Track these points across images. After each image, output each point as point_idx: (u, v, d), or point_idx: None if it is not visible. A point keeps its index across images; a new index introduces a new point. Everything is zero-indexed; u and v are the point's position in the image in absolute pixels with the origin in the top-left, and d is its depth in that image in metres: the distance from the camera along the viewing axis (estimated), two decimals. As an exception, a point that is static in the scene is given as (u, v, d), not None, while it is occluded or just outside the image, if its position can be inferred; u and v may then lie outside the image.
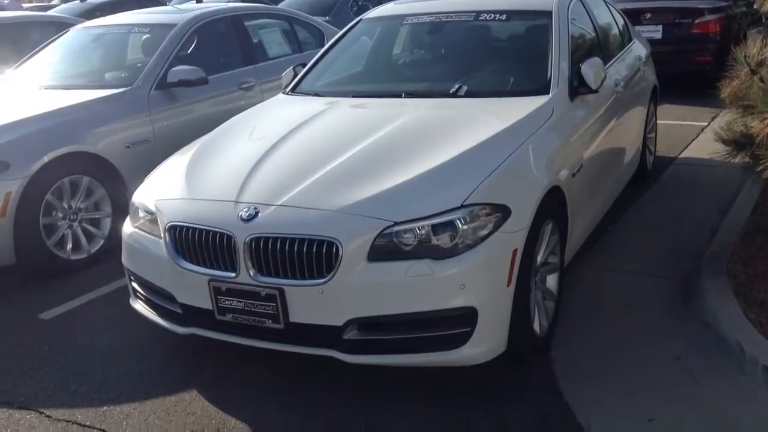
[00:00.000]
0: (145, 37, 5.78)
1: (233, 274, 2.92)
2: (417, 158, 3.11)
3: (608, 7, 5.44)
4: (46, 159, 4.41)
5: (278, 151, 3.35)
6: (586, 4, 4.75)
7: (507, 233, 2.90)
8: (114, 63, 5.66)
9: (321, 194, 2.96)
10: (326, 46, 4.74)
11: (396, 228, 2.79)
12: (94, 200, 4.74)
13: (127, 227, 3.42)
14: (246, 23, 6.27)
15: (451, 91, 3.87)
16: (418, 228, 2.80)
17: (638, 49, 5.63)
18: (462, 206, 2.84)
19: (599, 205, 4.22)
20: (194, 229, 3.02)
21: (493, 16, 4.27)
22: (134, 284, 3.42)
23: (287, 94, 4.37)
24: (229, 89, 5.77)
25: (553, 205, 3.27)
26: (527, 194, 3.07)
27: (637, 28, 7.20)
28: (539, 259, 3.21)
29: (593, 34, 4.68)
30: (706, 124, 7.69)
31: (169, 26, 5.67)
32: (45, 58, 5.87)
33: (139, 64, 5.44)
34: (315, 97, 4.18)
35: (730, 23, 9.41)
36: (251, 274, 2.89)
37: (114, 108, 4.97)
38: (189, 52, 5.78)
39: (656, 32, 9.25)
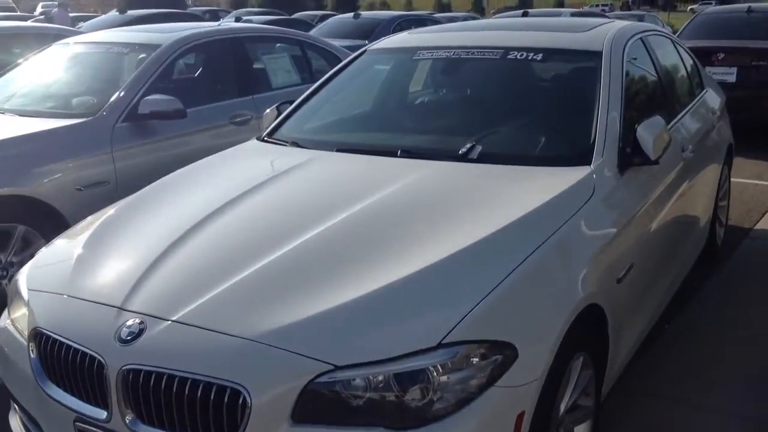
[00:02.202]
0: (125, 58, 5.00)
1: (104, 416, 2.01)
2: (386, 259, 2.15)
3: (676, 46, 4.41)
4: (-34, 203, 3.61)
5: (201, 233, 2.42)
6: (648, 44, 3.74)
7: (510, 388, 1.92)
8: (85, 87, 4.86)
9: (235, 308, 2.02)
10: (320, 81, 3.83)
11: (338, 375, 1.84)
12: (31, 253, 3.90)
13: (3, 318, 2.55)
14: (248, 46, 5.43)
15: (460, 152, 2.90)
16: (372, 376, 1.84)
17: (712, 99, 4.58)
18: (440, 345, 1.87)
19: (653, 307, 3.19)
20: (60, 342, 2.12)
21: (525, 54, 3.29)
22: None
23: (262, 140, 3.47)
24: (217, 123, 4.91)
25: (585, 331, 2.28)
26: (546, 323, 2.09)
27: (708, 69, 6.13)
28: (563, 407, 2.22)
29: (655, 82, 3.66)
30: (786, 184, 6.55)
31: (152, 47, 4.86)
32: (15, 75, 5.13)
33: (112, 91, 4.64)
34: (291, 148, 3.26)
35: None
36: (127, 420, 1.97)
37: (67, 142, 4.15)
38: (173, 78, 4.99)
39: (730, 75, 8.17)
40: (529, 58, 3.28)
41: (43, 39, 6.12)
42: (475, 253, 2.17)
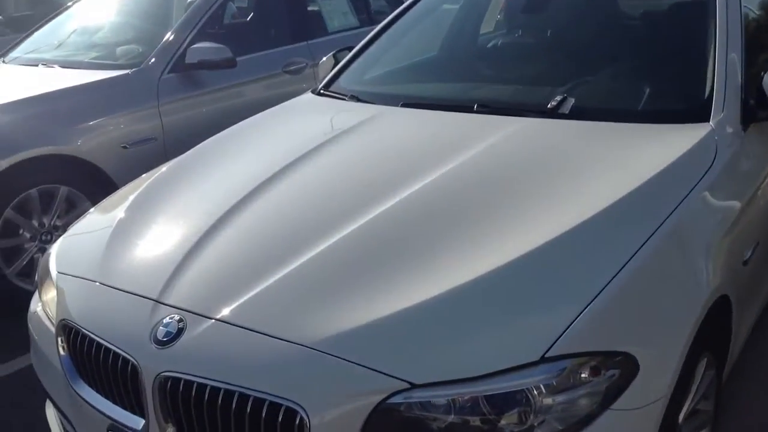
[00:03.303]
0: (173, 1, 4.65)
1: (140, 426, 1.71)
2: (470, 247, 1.77)
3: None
4: (3, 164, 3.36)
5: (250, 210, 2.07)
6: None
7: (630, 411, 1.55)
8: (130, 34, 4.54)
9: (290, 306, 1.68)
10: (382, 24, 3.40)
11: (415, 394, 1.49)
12: (77, 216, 3.66)
13: (34, 301, 2.28)
14: (302, -13, 5.00)
15: (548, 107, 2.46)
16: (458, 397, 1.49)
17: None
18: (542, 360, 1.50)
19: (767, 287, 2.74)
20: (90, 339, 1.83)
21: (624, -11, 2.80)
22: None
23: (318, 93, 3.08)
24: (269, 73, 4.54)
25: (710, 327, 1.87)
26: (672, 325, 1.69)
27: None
28: (682, 416, 1.83)
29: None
30: None
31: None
32: (61, 22, 4.83)
33: (158, 38, 4.30)
34: (351, 102, 2.87)
35: None
36: (167, 433, 1.68)
37: (111, 96, 3.85)
38: (222, 24, 4.62)
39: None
40: (629, -7, 2.78)
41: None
42: (579, 240, 1.76)
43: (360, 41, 3.90)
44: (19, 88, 3.78)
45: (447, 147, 2.28)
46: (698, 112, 2.32)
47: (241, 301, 1.71)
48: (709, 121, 2.28)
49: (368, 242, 1.84)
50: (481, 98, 2.64)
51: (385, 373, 1.50)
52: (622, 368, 1.56)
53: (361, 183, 2.13)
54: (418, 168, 2.13)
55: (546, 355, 1.50)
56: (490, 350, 1.52)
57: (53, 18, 4.90)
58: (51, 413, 2.25)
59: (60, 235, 3.57)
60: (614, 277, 1.65)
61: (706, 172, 2.07)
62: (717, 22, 2.54)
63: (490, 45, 3.28)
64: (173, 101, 4.02)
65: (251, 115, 3.00)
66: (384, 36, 3.27)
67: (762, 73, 2.39)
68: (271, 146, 2.54)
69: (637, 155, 2.13)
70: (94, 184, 3.70)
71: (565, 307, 1.58)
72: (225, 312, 1.69)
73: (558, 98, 2.47)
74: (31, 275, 3.51)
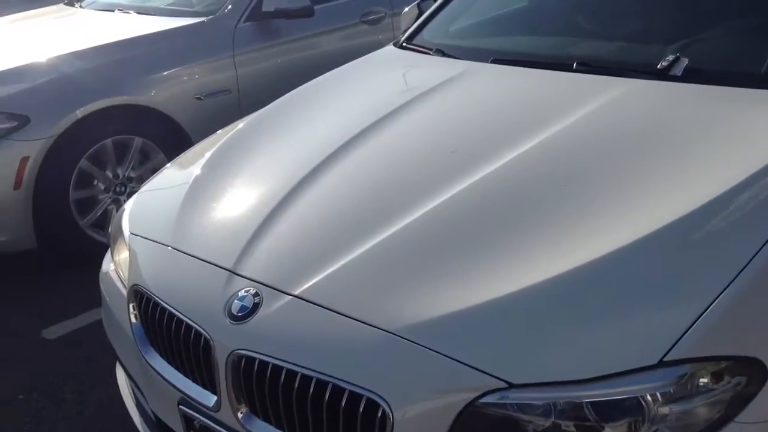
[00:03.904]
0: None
1: (212, 402, 1.62)
2: (574, 227, 1.58)
3: None
4: (78, 114, 3.32)
5: (331, 174, 1.92)
6: None
7: (758, 424, 1.36)
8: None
9: (373, 285, 1.53)
10: (472, -29, 3.15)
11: (512, 395, 1.33)
12: (151, 167, 3.62)
13: (106, 260, 2.21)
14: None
15: (659, 66, 2.20)
16: (560, 401, 1.33)
17: None
18: (660, 364, 1.32)
19: None
20: (162, 307, 1.74)
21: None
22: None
23: (400, 46, 2.88)
24: (347, 22, 4.36)
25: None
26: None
27: None
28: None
29: None
30: None
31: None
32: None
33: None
34: (436, 57, 2.66)
35: None
36: (239, 415, 1.58)
37: (185, 45, 3.76)
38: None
39: None
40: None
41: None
42: (700, 228, 1.53)
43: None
44: (94, 35, 3.72)
45: (544, 112, 2.07)
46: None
47: (321, 276, 1.58)
48: None
49: (457, 219, 1.67)
50: (580, 55, 2.39)
51: (480, 370, 1.34)
52: (749, 375, 1.36)
53: (448, 151, 1.94)
54: (512, 135, 1.93)
55: (665, 359, 1.32)
56: (600, 351, 1.34)
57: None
58: (121, 377, 2.20)
59: (134, 187, 3.57)
60: (741, 271, 1.43)
61: None
62: None
63: (578, 2, 2.98)
64: (249, 51, 3.90)
65: (328, 67, 2.84)
66: (473, -16, 3.03)
67: None
68: (353, 105, 2.37)
69: (764, 128, 1.87)
70: (169, 135, 3.64)
71: (685, 304, 1.38)
72: (303, 288, 1.56)
73: (670, 57, 2.20)
74: (105, 227, 3.50)
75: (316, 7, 4.01)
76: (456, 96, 2.28)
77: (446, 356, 1.37)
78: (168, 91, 3.62)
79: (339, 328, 1.48)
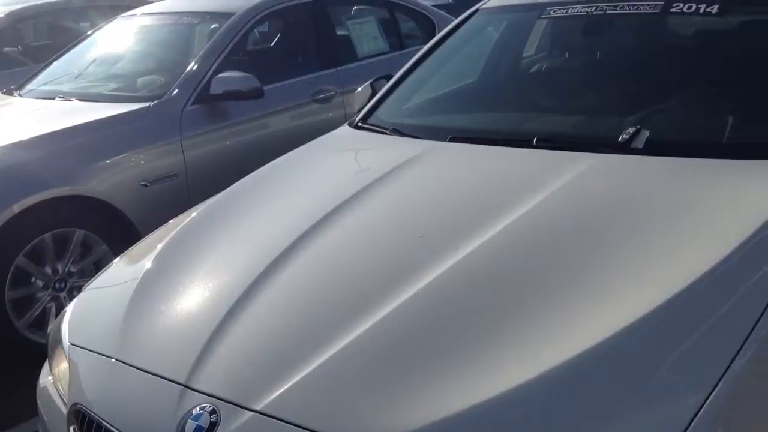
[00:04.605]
0: (195, 29, 4.44)
1: None
2: (555, 315, 1.47)
3: None
4: (15, 209, 3.13)
5: (290, 269, 1.79)
6: None
7: None
8: (151, 64, 4.32)
9: (349, 392, 1.39)
10: (423, 50, 3.13)
11: None
12: (93, 261, 3.43)
13: (44, 373, 2.01)
14: (329, 10, 4.77)
15: (620, 140, 2.17)
16: None
17: None
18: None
19: None
20: (108, 429, 1.56)
21: (694, 6, 2.50)
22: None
23: (355, 126, 2.81)
24: (297, 102, 4.30)
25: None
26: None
27: None
28: None
29: None
30: None
31: (225, 15, 4.27)
32: (79, 53, 4.63)
33: (180, 68, 4.08)
34: (391, 136, 2.59)
35: None
36: None
37: (130, 130, 3.62)
38: (247, 51, 4.41)
39: None
40: (702, 11, 2.48)
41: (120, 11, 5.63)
42: (688, 309, 1.44)
43: (392, 66, 3.65)
44: (32, 125, 3.57)
45: (510, 191, 1.99)
46: (798, 146, 2.02)
47: (286, 387, 1.42)
48: (816, 157, 1.97)
49: (433, 311, 1.55)
50: (539, 131, 2.35)
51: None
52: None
53: (416, 236, 1.83)
54: (481, 217, 1.84)
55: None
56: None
57: (72, 48, 4.70)
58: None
59: (75, 282, 3.36)
60: (738, 353, 1.35)
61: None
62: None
63: (549, 73, 2.98)
64: (197, 135, 3.78)
65: (279, 147, 2.75)
66: (425, 63, 3.00)
67: None
68: (312, 191, 2.26)
69: (736, 200, 1.83)
70: (112, 226, 3.46)
71: (689, 387, 1.28)
72: (266, 401, 1.41)
73: (630, 130, 2.17)
74: (44, 327, 3.27)
75: (265, 88, 3.94)
76: (418, 178, 2.19)
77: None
78: (111, 179, 3.46)
79: (308, 448, 1.32)
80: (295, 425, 1.36)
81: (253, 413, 1.40)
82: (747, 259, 1.58)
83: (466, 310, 1.54)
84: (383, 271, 1.71)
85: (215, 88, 3.84)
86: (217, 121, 3.88)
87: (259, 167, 2.55)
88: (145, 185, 3.56)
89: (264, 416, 1.39)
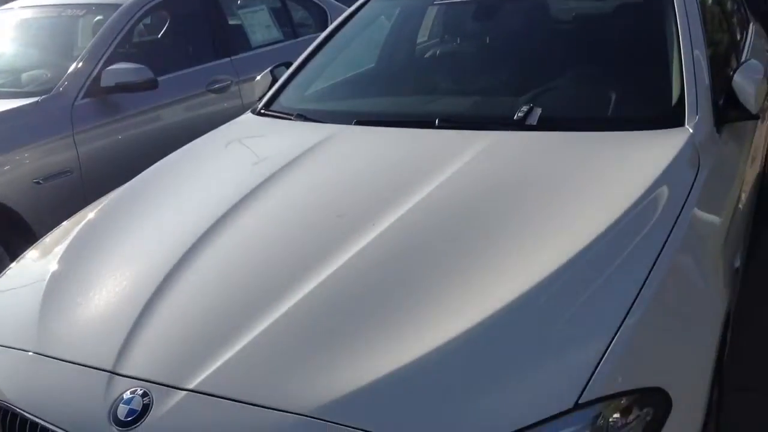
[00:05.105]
0: (80, 21, 4.28)
1: None
2: (467, 283, 1.58)
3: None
4: None
5: (208, 253, 1.81)
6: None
7: (663, 455, 1.40)
8: (35, 59, 4.14)
9: (275, 368, 1.44)
10: (321, 37, 3.18)
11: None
12: (-13, 264, 3.27)
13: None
14: (221, 0, 4.72)
15: (515, 117, 2.32)
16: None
17: (761, 35, 4.03)
18: (576, 406, 1.33)
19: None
20: (34, 423, 1.53)
21: (575, -10, 2.69)
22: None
23: (258, 113, 2.83)
24: (193, 92, 4.24)
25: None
26: (697, 350, 1.56)
27: None
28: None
29: (722, 16, 3.10)
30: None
31: (112, 6, 4.15)
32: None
33: (68, 62, 3.93)
34: (297, 122, 2.64)
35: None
36: None
37: (19, 127, 3.47)
38: (138, 42, 4.30)
39: None
40: (581, -5, 2.68)
41: None
42: (585, 270, 1.58)
43: (286, 55, 3.69)
44: None
45: (417, 170, 2.09)
46: (672, 117, 2.23)
47: (216, 365, 1.46)
48: (684, 125, 2.19)
49: (350, 287, 1.61)
50: (441, 112, 2.47)
51: (402, 441, 1.29)
52: (655, 405, 1.41)
53: (330, 217, 1.89)
54: (393, 196, 1.92)
55: (579, 401, 1.33)
56: (517, 403, 1.33)
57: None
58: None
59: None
60: (632, 305, 1.50)
61: (694, 181, 1.96)
62: (678, 19, 2.47)
63: (436, 54, 3.11)
64: (89, 129, 3.67)
65: (175, 139, 2.74)
66: (324, 49, 3.06)
67: (730, 72, 2.33)
68: (223, 177, 2.27)
69: (621, 167, 2.00)
70: (6, 226, 3.31)
71: (588, 345, 1.42)
72: (199, 380, 1.44)
73: (524, 108, 2.33)
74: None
75: (159, 78, 3.87)
76: (329, 159, 2.26)
77: (364, 431, 1.30)
78: (2, 177, 3.31)
79: (246, 420, 1.36)
80: (228, 398, 1.39)
81: (186, 392, 1.43)
82: (636, 219, 1.75)
83: (386, 281, 1.62)
84: (303, 249, 1.77)
85: (106, 81, 3.73)
86: (110, 114, 3.78)
87: (156, 159, 2.53)
88: (39, 183, 3.42)
89: (197, 393, 1.42)
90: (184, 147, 2.61)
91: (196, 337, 1.55)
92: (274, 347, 1.49)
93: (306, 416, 1.33)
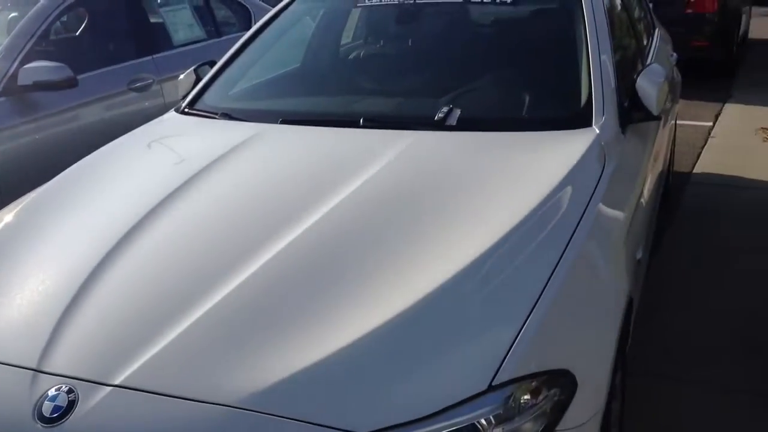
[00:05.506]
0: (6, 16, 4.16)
1: None
2: (385, 278, 1.65)
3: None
4: None
5: (132, 252, 1.83)
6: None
7: (573, 429, 1.51)
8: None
9: (201, 362, 1.48)
10: (246, 36, 3.20)
11: (359, 446, 1.35)
12: None
13: None
14: (142, -3, 4.67)
15: (436, 118, 2.41)
16: (406, 442, 1.37)
17: (666, 39, 4.28)
18: (490, 388, 1.42)
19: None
20: (-45, 425, 1.52)
21: (491, -4, 2.81)
22: None
23: (182, 112, 2.83)
24: (113, 91, 4.18)
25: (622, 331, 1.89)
26: (600, 333, 1.68)
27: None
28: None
29: (629, 23, 3.29)
30: (710, 124, 6.46)
31: (29, 2, 4.04)
32: None
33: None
34: (221, 120, 2.66)
35: (727, 2, 8.18)
36: None
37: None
38: (56, 40, 4.21)
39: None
40: (497, 1, 2.79)
41: None
42: (498, 260, 1.69)
43: (209, 53, 3.69)
44: None
45: (341, 169, 2.15)
46: (580, 118, 2.36)
47: (143, 360, 1.48)
48: (592, 126, 2.33)
49: (276, 281, 1.66)
50: (365, 112, 2.54)
51: (325, 425, 1.35)
52: (562, 386, 1.52)
53: (256, 214, 1.94)
54: (317, 194, 1.98)
55: (493, 383, 1.42)
56: (436, 385, 1.42)
57: None
58: None
59: None
60: (542, 293, 1.61)
61: (600, 177, 2.10)
62: (586, 25, 2.62)
63: (360, 55, 3.18)
64: (6, 128, 3.58)
65: (95, 139, 2.72)
66: (249, 49, 3.08)
67: (634, 76, 2.48)
68: (144, 177, 2.27)
69: (534, 166, 2.12)
70: None
71: (501, 330, 1.51)
72: (124, 375, 1.46)
73: (445, 109, 2.42)
74: None
75: (79, 77, 3.80)
76: (253, 159, 2.29)
77: (290, 419, 1.36)
78: None
79: (175, 414, 1.40)
80: (156, 393, 1.42)
81: (112, 388, 1.45)
82: (546, 213, 1.87)
83: (308, 278, 1.67)
84: (227, 247, 1.80)
85: (23, 79, 3.65)
86: (28, 113, 3.70)
87: (77, 159, 2.51)
88: (-50, 186, 3.32)
89: (124, 389, 1.44)
90: (107, 145, 2.60)
91: (122, 333, 1.57)
92: (199, 342, 1.52)
93: (232, 407, 1.38)
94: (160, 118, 2.82)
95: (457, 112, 2.42)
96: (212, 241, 1.85)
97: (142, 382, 1.45)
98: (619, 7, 3.22)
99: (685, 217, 4.43)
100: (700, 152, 5.71)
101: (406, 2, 2.92)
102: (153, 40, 4.59)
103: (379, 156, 2.18)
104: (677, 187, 4.81)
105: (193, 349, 1.51)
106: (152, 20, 4.73)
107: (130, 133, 2.66)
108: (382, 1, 2.96)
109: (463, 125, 2.39)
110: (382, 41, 3.25)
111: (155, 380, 1.45)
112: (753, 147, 5.77)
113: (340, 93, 2.84)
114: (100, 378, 1.47)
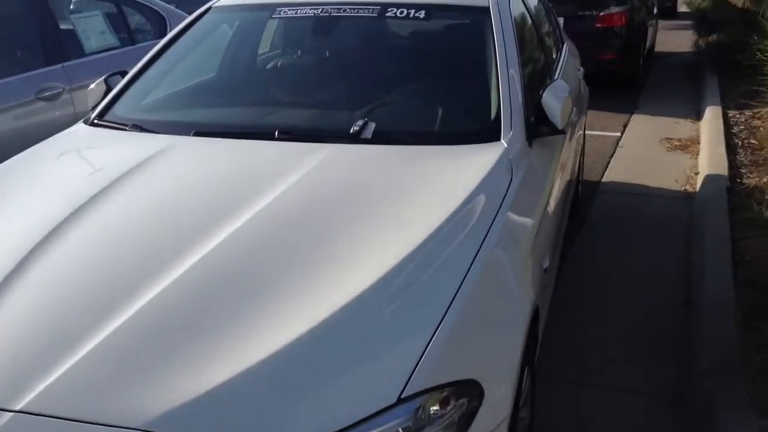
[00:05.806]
0: None
1: None
2: (296, 294, 1.66)
3: (541, -1, 4.18)
4: None
5: (35, 269, 1.77)
6: (522, -4, 3.45)
7: (478, 438, 1.56)
8: None
9: (108, 384, 1.45)
10: (159, 45, 3.14)
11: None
12: None
13: None
14: (51, 3, 4.51)
15: (351, 131, 2.43)
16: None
17: (573, 54, 4.45)
18: (399, 400, 1.45)
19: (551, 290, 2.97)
20: None
21: (405, 11, 2.86)
22: None
23: (91, 124, 2.76)
24: (21, 100, 4.03)
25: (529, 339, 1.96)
26: (505, 344, 1.74)
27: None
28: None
29: (537, 40, 3.40)
30: (618, 134, 6.74)
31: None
32: None
33: None
34: (132, 132, 2.61)
35: (634, 16, 8.58)
36: None
37: None
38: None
39: (556, 26, 8.28)
40: (412, 15, 2.85)
41: None
42: (408, 273, 1.72)
43: (122, 61, 3.61)
44: None
45: (255, 182, 2.15)
46: (489, 132, 2.44)
47: (46, 384, 1.45)
48: (500, 140, 2.40)
49: (185, 300, 1.65)
50: (280, 124, 2.54)
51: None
52: (469, 396, 1.56)
53: (168, 229, 1.92)
54: (230, 208, 1.97)
55: (402, 396, 1.45)
56: (346, 400, 1.44)
57: None
58: None
59: None
60: (450, 303, 1.66)
61: (507, 190, 2.17)
62: (495, 41, 2.70)
63: (276, 67, 3.18)
64: None
65: (2, 150, 2.62)
66: (162, 58, 3.03)
67: (540, 92, 2.58)
68: (50, 192, 2.20)
69: (444, 178, 2.18)
70: None
71: (410, 342, 1.55)
72: (27, 400, 1.42)
73: (360, 123, 2.45)
74: None
75: (-19, 85, 3.65)
76: (165, 172, 2.26)
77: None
78: None
79: (76, 435, 1.37)
80: (61, 418, 1.39)
81: (13, 413, 1.40)
82: (456, 225, 1.93)
83: (219, 294, 1.66)
84: (135, 263, 1.78)
85: None
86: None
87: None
88: None
89: (26, 414, 1.40)
90: (12, 159, 2.51)
91: (24, 356, 1.52)
92: (106, 363, 1.49)
93: (137, 430, 1.35)
94: (68, 130, 2.74)
95: (372, 126, 2.45)
96: (121, 258, 1.82)
97: (47, 407, 1.41)
98: (528, 23, 3.33)
99: (594, 225, 4.61)
100: (609, 162, 5.96)
101: (321, 15, 2.93)
102: (63, 47, 4.43)
103: (294, 169, 2.19)
104: (587, 196, 5.00)
105: (100, 371, 1.48)
106: (63, 27, 4.57)
107: (35, 147, 2.58)
108: (297, 13, 2.97)
109: (379, 138, 2.42)
110: (298, 52, 3.26)
111: (58, 404, 1.41)
112: (658, 156, 6.07)
113: (255, 104, 2.83)
114: (1, 404, 1.42)
